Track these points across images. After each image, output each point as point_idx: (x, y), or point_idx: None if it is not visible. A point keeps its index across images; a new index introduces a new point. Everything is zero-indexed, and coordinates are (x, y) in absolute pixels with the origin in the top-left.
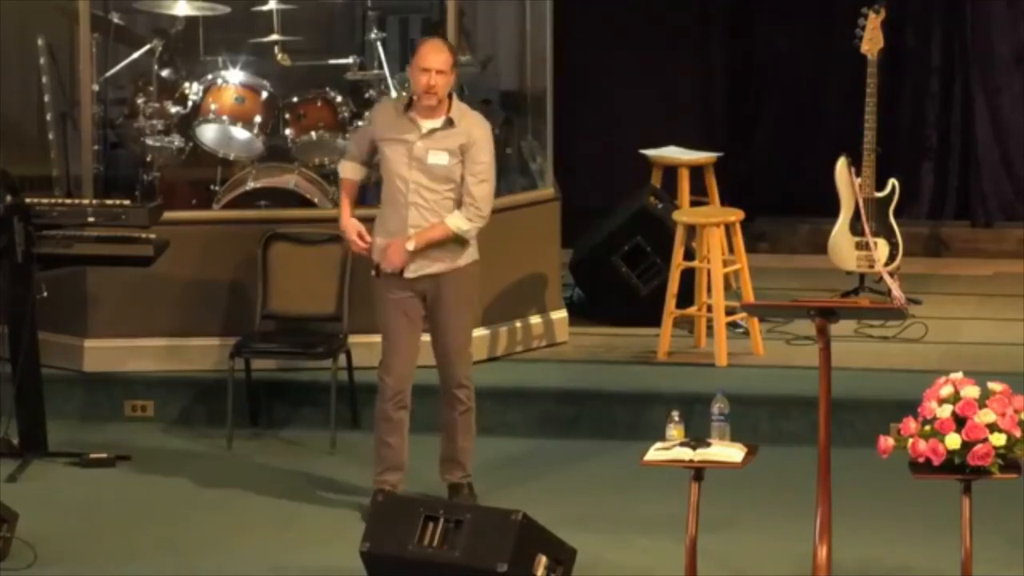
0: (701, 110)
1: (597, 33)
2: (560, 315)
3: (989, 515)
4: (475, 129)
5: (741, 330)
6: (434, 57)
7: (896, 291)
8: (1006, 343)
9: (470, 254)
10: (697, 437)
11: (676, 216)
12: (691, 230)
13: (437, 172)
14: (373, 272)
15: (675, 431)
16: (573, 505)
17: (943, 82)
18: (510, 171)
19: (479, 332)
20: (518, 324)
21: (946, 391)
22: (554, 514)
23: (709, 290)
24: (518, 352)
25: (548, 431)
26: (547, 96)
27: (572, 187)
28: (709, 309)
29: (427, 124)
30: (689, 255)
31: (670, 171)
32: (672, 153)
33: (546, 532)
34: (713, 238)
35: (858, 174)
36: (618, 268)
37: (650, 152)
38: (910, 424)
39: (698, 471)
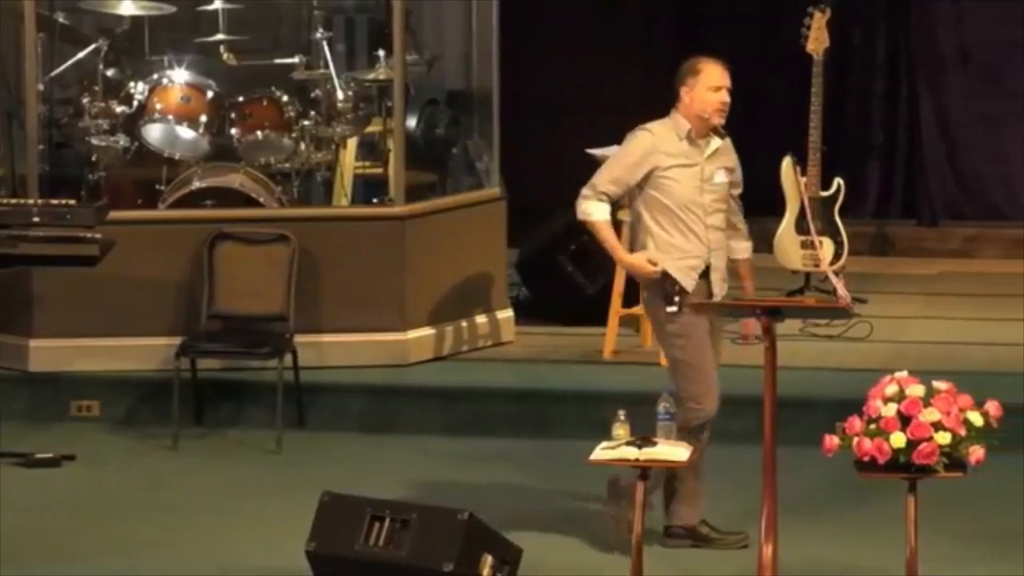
0: (647, 109)
1: (544, 32)
2: (506, 314)
3: (935, 514)
4: (732, 146)
5: None
6: (725, 75)
7: (841, 290)
8: (951, 342)
9: None
10: (643, 436)
11: (622, 215)
12: None
13: (720, 191)
14: (673, 307)
15: (621, 430)
16: (519, 504)
17: (889, 81)
18: (457, 171)
19: (424, 331)
20: (464, 323)
21: (891, 390)
22: (500, 513)
23: None
24: (464, 351)
25: (494, 430)
26: (494, 95)
27: (518, 186)
28: None
29: (707, 143)
30: None
31: None
32: None
33: (492, 531)
34: None
35: (804, 173)
36: (564, 267)
37: (596, 151)
38: (855, 423)
39: (644, 470)
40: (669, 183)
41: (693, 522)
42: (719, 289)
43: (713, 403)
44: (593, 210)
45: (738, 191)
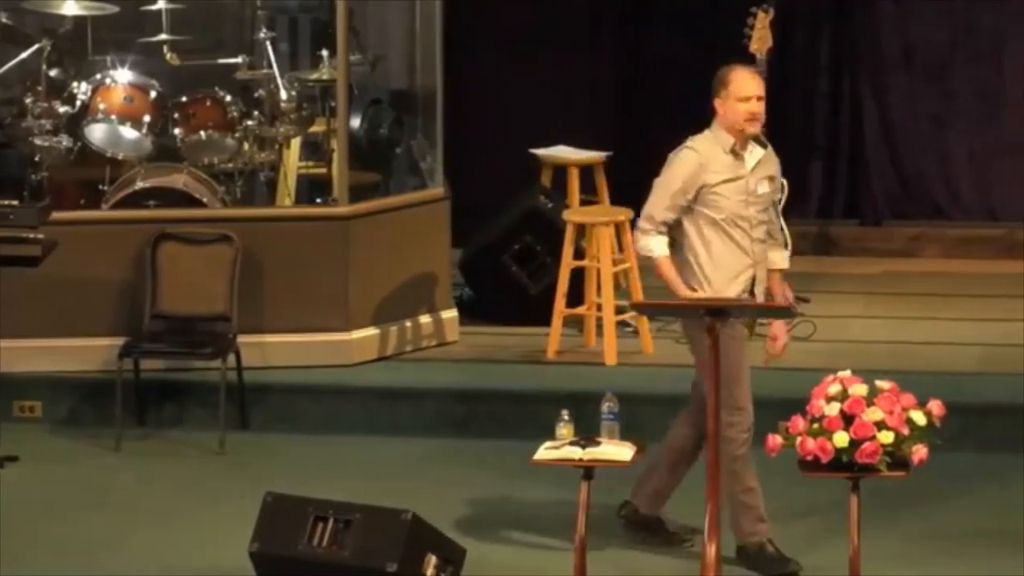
0: (591, 109)
1: (487, 32)
2: (450, 314)
3: (878, 513)
4: (774, 153)
5: (630, 329)
6: (754, 84)
7: (785, 290)
8: (894, 341)
9: None
10: (587, 436)
11: (566, 215)
12: (581, 229)
13: (765, 202)
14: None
15: (565, 430)
16: (463, 504)
17: (832, 81)
18: (401, 170)
19: (368, 331)
20: (408, 323)
21: (834, 389)
22: (444, 513)
23: (599, 289)
24: (408, 351)
25: (438, 430)
26: (437, 95)
27: (462, 186)
28: (599, 308)
29: (749, 155)
30: (579, 254)
31: (560, 170)
32: (562, 152)
33: (436, 531)
34: (603, 237)
35: None
36: (508, 267)
37: (540, 151)
38: (798, 422)
39: (588, 470)
40: (717, 198)
41: (763, 538)
42: (761, 300)
43: (751, 416)
44: (654, 246)
45: (780, 197)
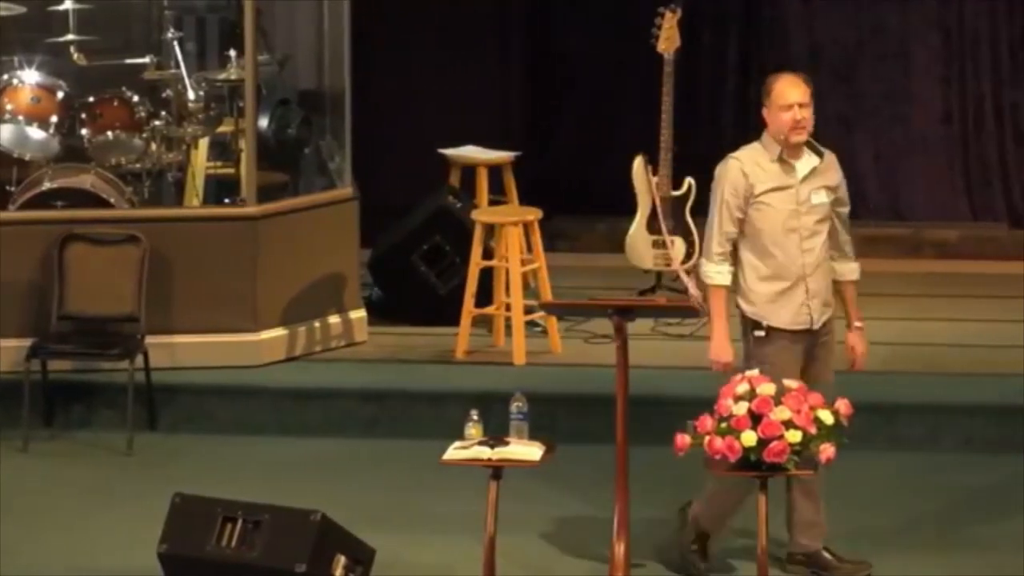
0: (499, 109)
1: (396, 32)
2: (359, 314)
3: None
4: (836, 162)
5: (539, 329)
6: (796, 91)
7: (693, 289)
8: None
9: None
10: (496, 436)
11: (475, 215)
12: (490, 229)
13: (821, 212)
14: (761, 331)
15: (474, 430)
16: (372, 505)
17: (739, 81)
18: (309, 171)
19: (277, 332)
20: (317, 324)
21: (742, 388)
22: (353, 514)
23: (508, 289)
24: (317, 352)
25: (347, 431)
26: (346, 95)
27: (371, 186)
28: (508, 308)
29: (802, 164)
30: (488, 254)
31: (468, 170)
32: (470, 152)
33: (345, 532)
34: (511, 237)
35: (655, 173)
36: (417, 267)
37: (448, 151)
38: (707, 421)
39: (497, 470)
40: (764, 208)
41: (815, 548)
42: (818, 315)
43: None
44: (713, 275)
45: (845, 209)
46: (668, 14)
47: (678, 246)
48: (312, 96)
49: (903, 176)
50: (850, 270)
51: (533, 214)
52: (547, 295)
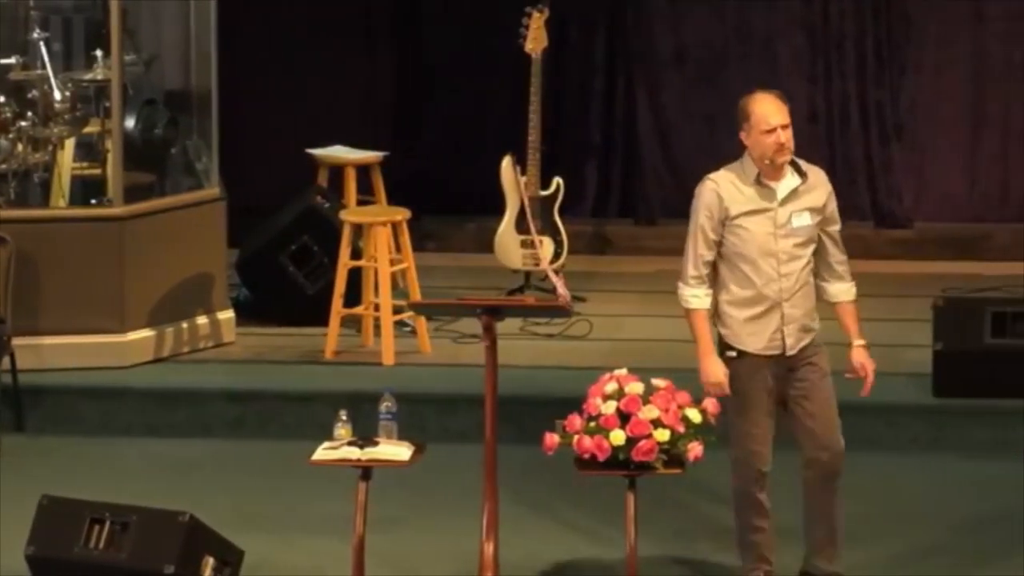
0: (367, 109)
1: (263, 31)
2: (227, 315)
3: (656, 510)
4: (824, 180)
5: (408, 329)
6: (778, 114)
7: (561, 289)
8: (670, 339)
9: None
10: (365, 436)
11: (343, 215)
12: (358, 229)
13: (802, 235)
14: (733, 352)
15: (343, 430)
16: (241, 506)
17: (607, 81)
18: (176, 171)
19: (144, 333)
20: (184, 324)
21: (611, 387)
22: (222, 515)
23: (376, 289)
24: (184, 352)
25: (215, 431)
26: (212, 95)
27: (238, 187)
28: (376, 308)
29: (782, 185)
30: (356, 254)
31: (336, 170)
32: (338, 152)
33: (213, 533)
34: (380, 237)
35: (523, 172)
36: (285, 268)
37: (316, 151)
38: (575, 421)
39: (366, 470)
40: (740, 231)
41: (828, 571)
42: (794, 341)
43: (767, 461)
44: (690, 297)
45: (836, 227)
46: (535, 14)
47: (546, 245)
48: (179, 96)
49: None
50: (843, 291)
51: (401, 214)
52: (416, 295)
